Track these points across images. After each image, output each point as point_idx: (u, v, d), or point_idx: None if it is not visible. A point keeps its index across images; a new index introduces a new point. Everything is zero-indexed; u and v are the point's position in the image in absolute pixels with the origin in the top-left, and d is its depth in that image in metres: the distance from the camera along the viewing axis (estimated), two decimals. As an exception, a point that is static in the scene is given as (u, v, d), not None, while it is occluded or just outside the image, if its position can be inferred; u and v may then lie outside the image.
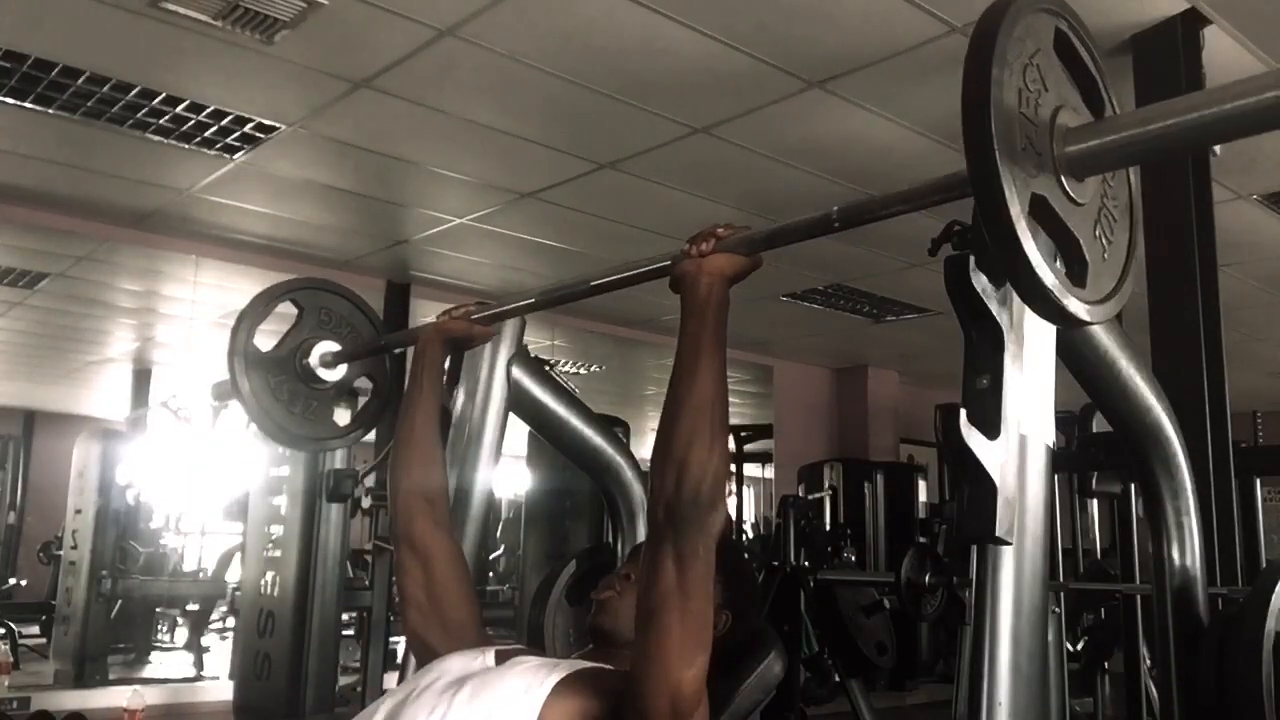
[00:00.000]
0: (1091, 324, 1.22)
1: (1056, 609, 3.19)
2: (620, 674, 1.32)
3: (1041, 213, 1.06)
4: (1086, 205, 1.13)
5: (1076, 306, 1.08)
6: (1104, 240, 1.16)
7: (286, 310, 2.20)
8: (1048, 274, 1.03)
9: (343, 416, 2.32)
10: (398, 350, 2.28)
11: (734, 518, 7.82)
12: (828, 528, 6.78)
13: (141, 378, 6.99)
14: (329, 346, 2.18)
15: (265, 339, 2.15)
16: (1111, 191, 1.20)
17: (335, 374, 2.19)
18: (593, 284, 1.60)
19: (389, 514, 1.74)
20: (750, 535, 8.27)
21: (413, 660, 1.88)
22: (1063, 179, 1.09)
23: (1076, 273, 1.12)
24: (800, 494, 6.73)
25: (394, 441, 1.75)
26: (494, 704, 1.33)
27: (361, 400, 2.33)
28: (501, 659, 1.47)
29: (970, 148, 1.01)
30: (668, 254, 1.41)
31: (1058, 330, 1.44)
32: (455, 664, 1.48)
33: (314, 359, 2.16)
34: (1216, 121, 1.01)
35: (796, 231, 1.34)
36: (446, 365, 1.87)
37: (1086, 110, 1.17)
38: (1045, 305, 1.07)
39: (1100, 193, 1.17)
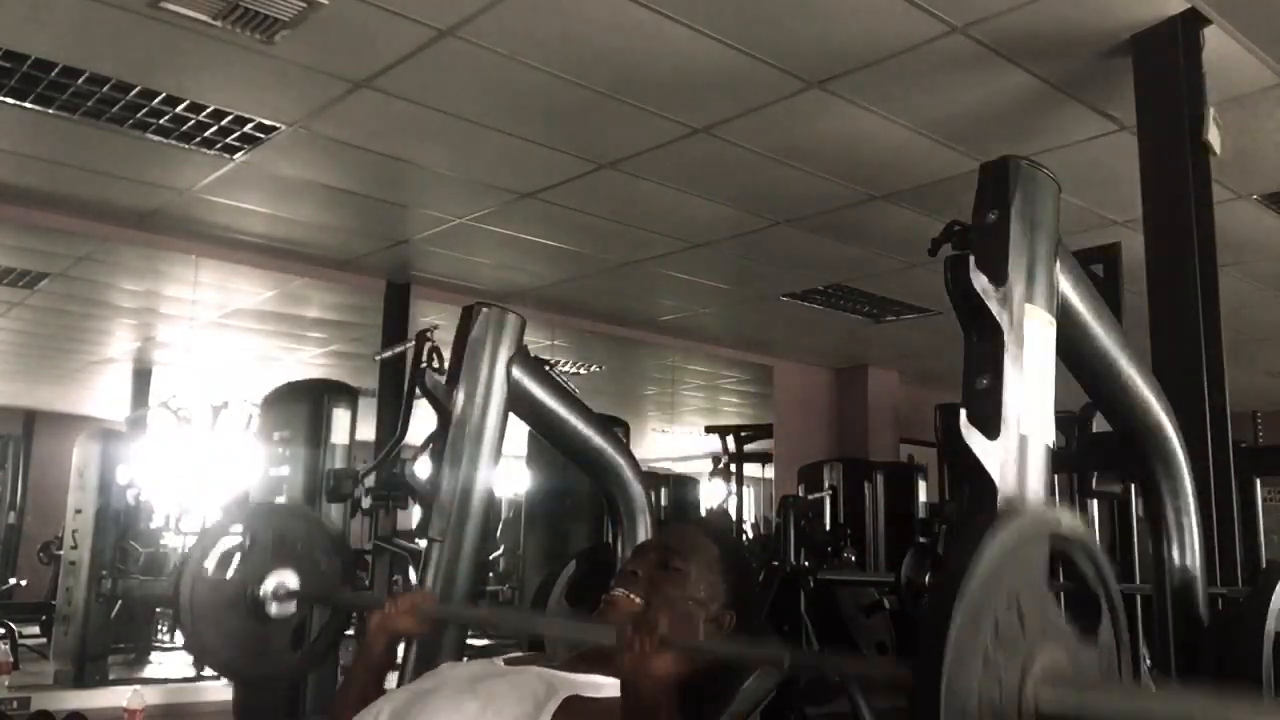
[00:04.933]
0: None
1: (1056, 609, 3.18)
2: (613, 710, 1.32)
3: None
4: None
5: None
6: None
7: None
8: None
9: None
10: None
11: (734, 517, 7.82)
12: (828, 528, 6.77)
13: (141, 378, 6.97)
14: (284, 578, 2.11)
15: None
16: None
17: (288, 609, 2.12)
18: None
19: None
20: (750, 535, 8.26)
21: (412, 661, 1.88)
22: None
23: None
24: (800, 494, 6.71)
25: None
26: (500, 712, 1.34)
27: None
28: (510, 667, 1.48)
29: None
30: (610, 635, 1.37)
31: (1058, 330, 1.44)
32: (464, 671, 1.48)
33: (266, 591, 2.09)
34: None
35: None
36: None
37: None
38: None
39: None
